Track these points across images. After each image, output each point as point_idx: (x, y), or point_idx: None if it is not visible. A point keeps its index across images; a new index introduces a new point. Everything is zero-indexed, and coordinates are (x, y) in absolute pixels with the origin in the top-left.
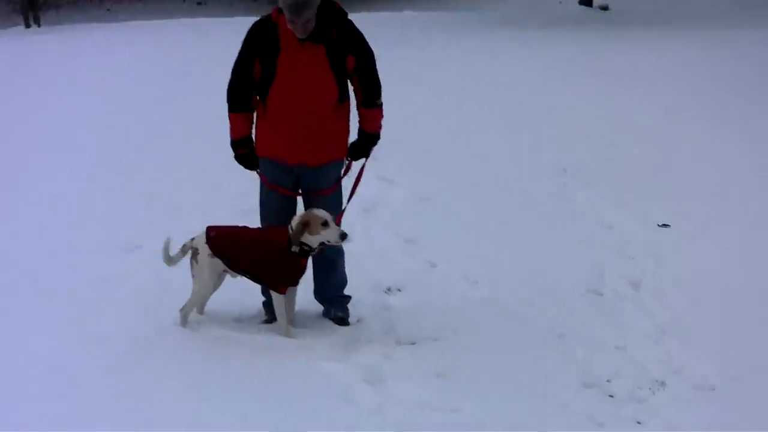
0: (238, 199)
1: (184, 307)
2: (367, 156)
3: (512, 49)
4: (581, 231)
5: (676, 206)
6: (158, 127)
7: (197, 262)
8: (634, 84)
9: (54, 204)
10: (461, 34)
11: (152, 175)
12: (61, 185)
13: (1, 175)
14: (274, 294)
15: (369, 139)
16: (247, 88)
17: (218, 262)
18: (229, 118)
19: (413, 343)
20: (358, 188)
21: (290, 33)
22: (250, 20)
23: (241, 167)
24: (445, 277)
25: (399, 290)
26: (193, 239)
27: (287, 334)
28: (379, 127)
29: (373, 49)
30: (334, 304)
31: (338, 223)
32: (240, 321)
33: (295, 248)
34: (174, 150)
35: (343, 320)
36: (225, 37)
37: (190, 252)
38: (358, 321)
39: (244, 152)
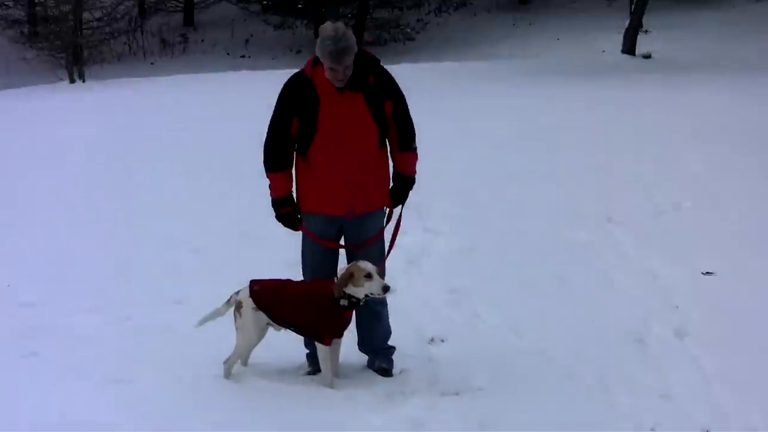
0: (283, 251)
1: (228, 359)
2: (404, 201)
3: (556, 99)
4: (626, 280)
5: (721, 255)
6: (203, 181)
7: (241, 315)
8: (678, 133)
9: (99, 257)
10: (504, 84)
11: (196, 228)
12: (104, 238)
13: (46, 226)
14: (319, 345)
15: (406, 182)
16: (285, 146)
17: (262, 315)
18: (270, 178)
19: (457, 394)
20: (399, 236)
21: (327, 84)
22: (293, 73)
23: (283, 226)
24: (489, 328)
25: (443, 341)
26: (237, 292)
27: (331, 386)
28: (415, 171)
29: (418, 99)
30: (379, 355)
31: (382, 270)
32: (283, 372)
33: (344, 301)
34: (218, 203)
35: (387, 371)
36: (269, 90)
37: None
38: (401, 372)
39: (287, 211)
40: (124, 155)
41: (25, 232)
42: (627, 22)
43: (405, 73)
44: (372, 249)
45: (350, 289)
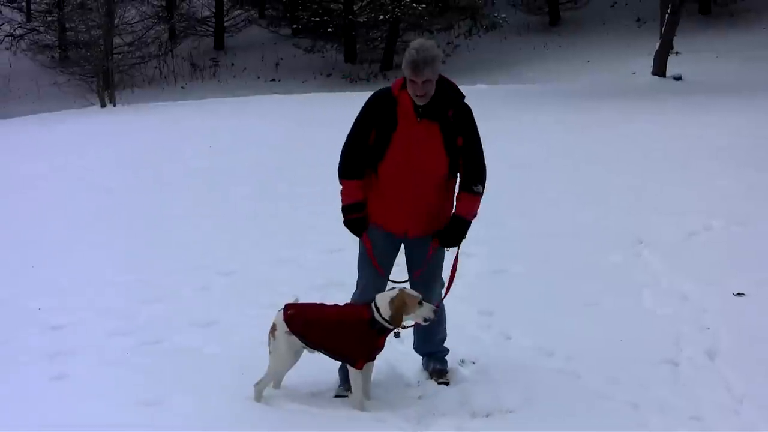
0: (313, 274)
1: (259, 381)
2: (458, 243)
3: (587, 122)
4: (656, 301)
5: (753, 276)
6: (233, 204)
7: (274, 338)
8: (709, 154)
9: (129, 280)
10: (535, 107)
11: (226, 251)
12: (134, 261)
13: (76, 250)
14: (351, 369)
15: (458, 222)
16: (361, 155)
17: (295, 339)
18: (342, 185)
19: (487, 416)
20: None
21: (409, 109)
22: (324, 96)
23: (349, 231)
24: (519, 349)
25: (473, 362)
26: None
27: (361, 408)
28: (472, 214)
29: None
30: (433, 358)
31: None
32: (314, 395)
33: (398, 330)
34: (248, 226)
35: (442, 372)
36: (299, 113)
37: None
38: (429, 393)
39: (355, 217)
40: (154, 179)
41: (55, 256)
42: (657, 44)
43: None
44: (427, 273)
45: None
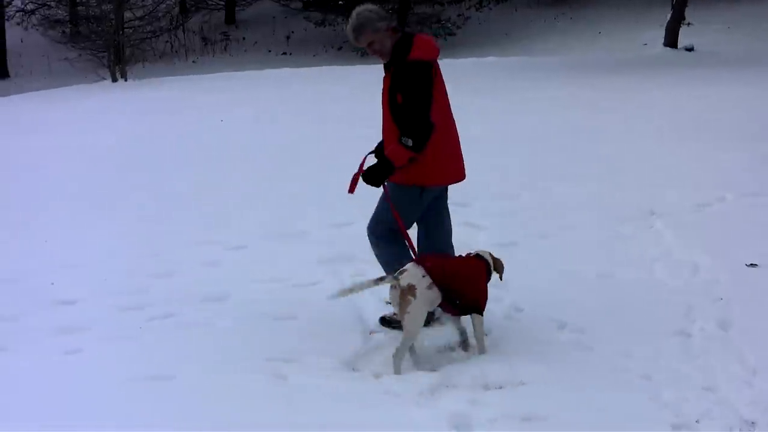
0: (322, 247)
1: (396, 352)
2: (373, 180)
3: (598, 94)
4: (669, 272)
5: (765, 247)
6: (242, 178)
7: (415, 298)
8: (721, 126)
9: (140, 255)
10: (545, 80)
11: (238, 226)
12: (145, 237)
13: (88, 225)
14: (477, 317)
15: (380, 158)
16: None
17: (436, 292)
18: None
19: (500, 388)
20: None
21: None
22: (334, 69)
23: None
24: (532, 322)
25: (485, 334)
26: (396, 276)
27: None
28: (395, 158)
29: (459, 96)
30: None
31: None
32: (324, 368)
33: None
34: (257, 201)
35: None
36: (310, 87)
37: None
38: (441, 365)
39: None
40: (164, 154)
41: (67, 232)
42: (669, 15)
43: (445, 69)
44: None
45: None
